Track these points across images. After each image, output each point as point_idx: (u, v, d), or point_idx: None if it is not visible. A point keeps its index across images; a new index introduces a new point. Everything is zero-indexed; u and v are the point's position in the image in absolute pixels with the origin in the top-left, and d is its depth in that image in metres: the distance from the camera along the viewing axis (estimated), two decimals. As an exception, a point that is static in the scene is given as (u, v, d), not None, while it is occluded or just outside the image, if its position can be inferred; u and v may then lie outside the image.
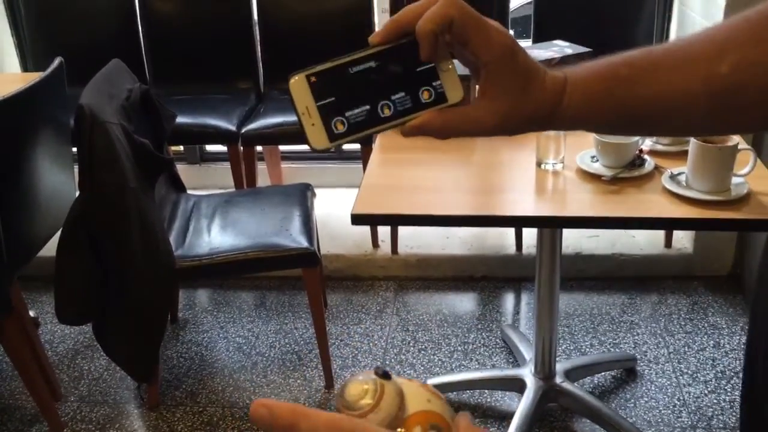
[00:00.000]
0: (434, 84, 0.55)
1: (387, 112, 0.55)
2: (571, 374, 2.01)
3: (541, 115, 0.57)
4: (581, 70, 0.58)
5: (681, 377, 2.11)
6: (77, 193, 1.82)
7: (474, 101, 0.56)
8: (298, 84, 0.54)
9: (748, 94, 0.57)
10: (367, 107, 0.54)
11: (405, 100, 0.55)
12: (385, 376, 0.43)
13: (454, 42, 0.54)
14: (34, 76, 1.90)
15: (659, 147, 1.64)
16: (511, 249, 2.65)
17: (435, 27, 0.52)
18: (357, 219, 1.47)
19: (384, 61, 0.54)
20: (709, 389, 2.05)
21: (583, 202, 1.53)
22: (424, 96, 0.55)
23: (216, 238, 2.03)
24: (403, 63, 0.54)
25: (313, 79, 0.54)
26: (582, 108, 0.58)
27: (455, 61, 0.57)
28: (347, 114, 0.54)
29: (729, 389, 2.05)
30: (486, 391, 2.09)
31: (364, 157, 2.49)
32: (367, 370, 0.45)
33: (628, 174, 1.54)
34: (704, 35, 0.58)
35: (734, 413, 1.97)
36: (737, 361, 2.16)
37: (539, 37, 2.64)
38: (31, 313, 2.35)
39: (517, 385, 1.99)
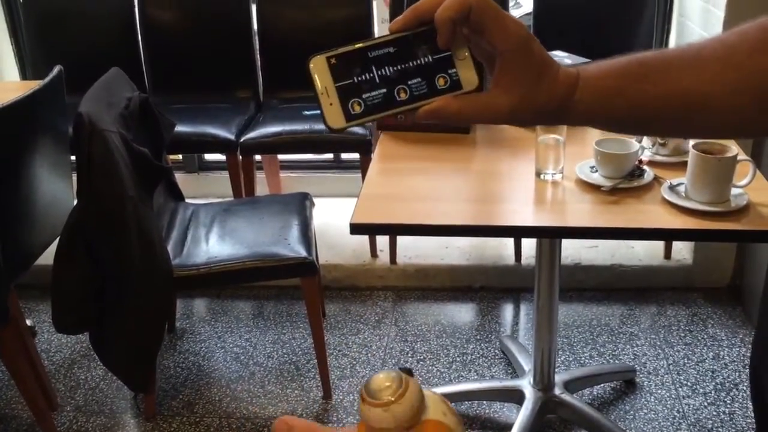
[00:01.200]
0: (450, 71, 0.57)
1: (403, 96, 0.57)
2: (570, 385, 2.00)
3: (553, 108, 0.58)
4: (594, 67, 0.59)
5: (680, 389, 2.10)
6: (75, 202, 1.82)
7: (488, 90, 0.58)
8: (319, 64, 0.56)
9: (755, 97, 0.57)
10: (384, 90, 0.56)
11: (421, 86, 0.57)
12: (408, 372, 0.44)
13: (471, 31, 0.56)
14: (34, 85, 1.90)
15: (658, 158, 1.64)
16: (510, 259, 2.65)
17: (453, 15, 0.54)
18: (356, 228, 1.47)
19: (402, 47, 0.56)
20: (708, 401, 2.05)
21: (582, 212, 1.52)
22: (440, 82, 0.57)
23: (214, 247, 2.03)
24: (420, 50, 0.56)
25: (333, 60, 0.56)
26: (593, 103, 0.59)
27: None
28: (364, 96, 0.56)
29: (728, 401, 2.04)
30: (484, 402, 2.08)
31: (363, 166, 2.49)
32: (391, 369, 0.46)
33: (627, 184, 1.53)
34: (717, 38, 0.59)
35: (734, 425, 1.96)
36: (737, 373, 2.15)
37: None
38: (28, 322, 2.34)
39: (515, 397, 1.98)
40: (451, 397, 2.12)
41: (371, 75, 0.56)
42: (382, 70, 0.56)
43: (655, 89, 0.58)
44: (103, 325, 1.89)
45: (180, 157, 3.16)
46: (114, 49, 2.85)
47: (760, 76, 0.56)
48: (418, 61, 0.57)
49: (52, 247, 1.85)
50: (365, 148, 2.50)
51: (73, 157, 1.97)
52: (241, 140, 2.56)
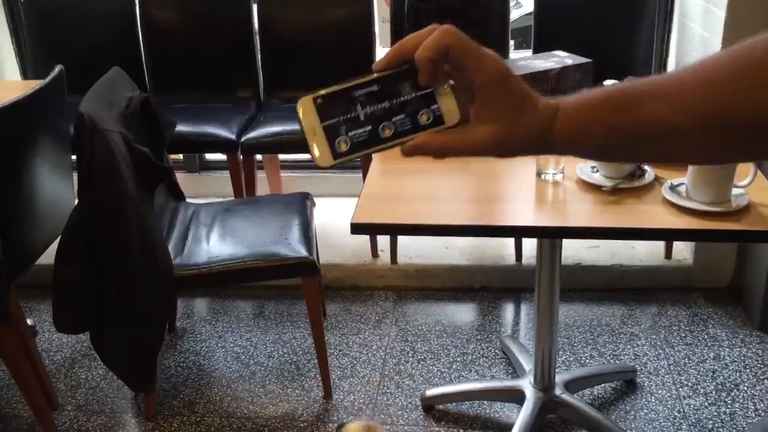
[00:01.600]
0: (432, 107, 0.59)
1: (388, 133, 0.59)
2: (571, 386, 2.00)
3: (534, 138, 0.60)
4: (574, 98, 0.61)
5: (681, 389, 2.10)
6: (76, 201, 1.82)
7: (470, 124, 0.60)
8: (306, 105, 0.58)
9: (729, 128, 0.57)
10: (369, 128, 0.58)
11: (405, 122, 0.58)
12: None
13: (452, 68, 0.58)
14: (35, 84, 1.90)
15: (659, 158, 1.64)
16: (511, 259, 2.65)
17: (432, 54, 0.56)
18: (356, 228, 1.47)
19: (386, 86, 0.58)
20: (709, 401, 2.05)
21: (583, 212, 1.52)
22: (423, 118, 0.59)
23: (215, 246, 2.03)
24: (403, 87, 0.58)
25: (319, 101, 0.58)
26: (572, 133, 0.60)
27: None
28: (350, 134, 0.58)
29: (729, 401, 2.04)
30: (485, 402, 2.08)
31: (364, 166, 2.49)
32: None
33: (628, 184, 1.53)
34: (692, 68, 0.59)
35: (734, 426, 1.96)
36: (737, 373, 2.15)
37: (540, 48, 2.65)
38: (29, 322, 2.34)
39: (516, 397, 1.98)
40: (451, 397, 2.13)
41: (356, 114, 0.58)
42: (367, 109, 0.58)
43: (632, 118, 0.59)
44: (104, 325, 1.89)
45: (181, 156, 3.17)
46: (114, 48, 2.86)
47: (733, 106, 0.56)
48: (402, 99, 0.58)
49: (53, 247, 1.85)
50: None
51: (73, 157, 1.97)
52: (242, 140, 2.56)
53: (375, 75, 0.58)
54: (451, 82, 0.60)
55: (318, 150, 0.58)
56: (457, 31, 0.57)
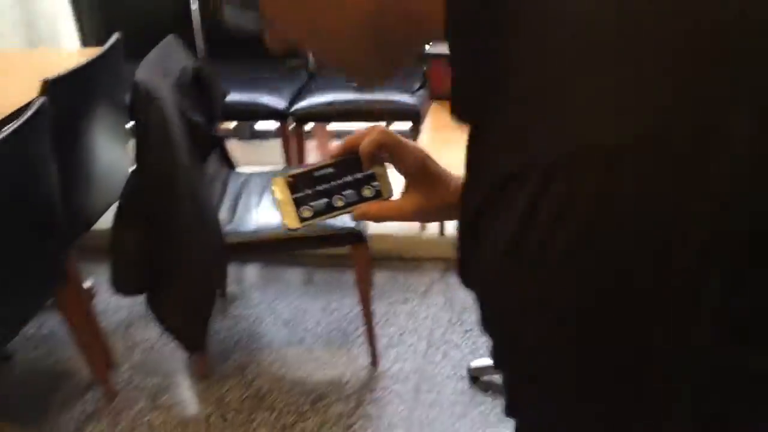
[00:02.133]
0: (373, 184, 0.77)
1: (340, 203, 0.76)
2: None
3: (448, 209, 0.76)
4: None
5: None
6: (132, 168, 1.86)
7: (401, 196, 0.78)
8: (279, 183, 0.76)
9: None
10: (326, 200, 0.76)
11: (353, 195, 0.77)
12: None
13: (387, 157, 0.76)
14: (93, 52, 1.94)
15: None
16: (561, 232, 2.61)
17: (371, 148, 0.75)
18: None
19: (339, 169, 0.76)
20: None
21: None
22: (366, 192, 0.77)
23: (265, 214, 2.05)
24: (351, 170, 0.77)
25: (290, 179, 0.76)
26: None
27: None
28: (312, 204, 0.76)
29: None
30: (531, 374, 2.07)
31: (413, 136, 2.48)
32: None
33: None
34: None
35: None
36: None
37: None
38: (87, 284, 2.43)
39: (562, 370, 1.97)
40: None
41: (317, 189, 0.76)
42: (325, 185, 0.76)
43: None
44: (159, 288, 1.94)
45: (232, 125, 3.20)
46: (169, 15, 2.89)
47: None
48: (350, 178, 0.77)
49: (111, 211, 1.91)
50: (416, 117, 2.49)
51: (130, 123, 2.01)
52: (293, 109, 2.57)
53: (331, 161, 0.76)
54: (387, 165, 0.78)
55: (288, 216, 0.75)
56: (388, 131, 0.75)
